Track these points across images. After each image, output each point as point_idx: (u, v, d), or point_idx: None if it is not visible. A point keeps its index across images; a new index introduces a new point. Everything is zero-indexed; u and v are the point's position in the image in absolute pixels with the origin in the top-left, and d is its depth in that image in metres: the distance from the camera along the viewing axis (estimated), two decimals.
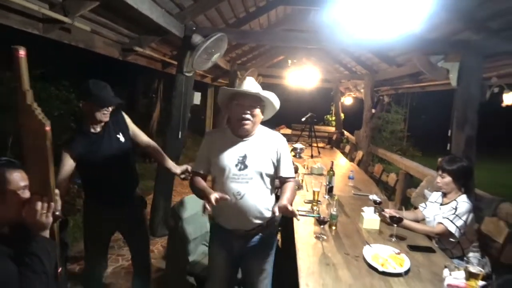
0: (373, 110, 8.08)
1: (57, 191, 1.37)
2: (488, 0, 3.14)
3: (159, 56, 4.96)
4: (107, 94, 2.16)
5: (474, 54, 3.66)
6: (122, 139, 2.31)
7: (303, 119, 6.12)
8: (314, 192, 2.99)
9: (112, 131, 2.27)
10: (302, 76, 7.85)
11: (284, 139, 2.11)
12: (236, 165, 1.94)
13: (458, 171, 2.58)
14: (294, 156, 5.50)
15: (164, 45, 4.78)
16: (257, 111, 1.96)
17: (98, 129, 2.23)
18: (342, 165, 5.56)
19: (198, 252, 2.68)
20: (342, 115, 10.89)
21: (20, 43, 1.24)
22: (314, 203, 2.90)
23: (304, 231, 2.43)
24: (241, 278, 2.26)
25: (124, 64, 4.70)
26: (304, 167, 4.55)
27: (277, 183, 2.18)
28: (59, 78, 5.91)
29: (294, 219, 2.59)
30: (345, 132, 10.22)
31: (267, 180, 2.00)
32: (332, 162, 3.61)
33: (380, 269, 1.89)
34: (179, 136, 3.87)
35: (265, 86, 2.06)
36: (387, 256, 2.01)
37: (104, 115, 2.18)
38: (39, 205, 1.29)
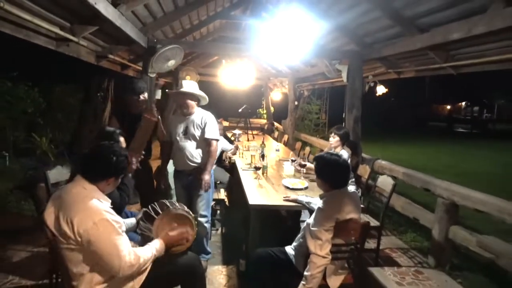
0: (296, 103, 9.73)
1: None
2: (365, 23, 4.70)
3: (121, 60, 5.95)
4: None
5: (356, 60, 5.28)
6: None
7: (239, 110, 7.42)
8: (251, 156, 4.38)
9: None
10: (235, 75, 8.82)
11: (212, 116, 3.42)
12: (182, 132, 3.34)
13: (342, 134, 4.13)
14: (234, 140, 6.85)
15: (125, 52, 5.80)
16: (191, 101, 3.33)
17: None
18: (272, 144, 7.02)
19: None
20: (272, 108, 12.49)
21: None
22: (251, 163, 4.28)
23: (247, 178, 3.80)
24: None
25: (77, 64, 5.44)
26: (243, 146, 5.93)
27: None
28: (22, 80, 6.56)
29: (241, 176, 3.93)
30: (275, 123, 11.82)
31: (198, 140, 3.32)
32: (263, 138, 5.01)
33: (291, 187, 3.34)
34: None
35: (202, 84, 3.42)
36: (296, 181, 3.46)
37: None
38: (133, 159, 2.55)
